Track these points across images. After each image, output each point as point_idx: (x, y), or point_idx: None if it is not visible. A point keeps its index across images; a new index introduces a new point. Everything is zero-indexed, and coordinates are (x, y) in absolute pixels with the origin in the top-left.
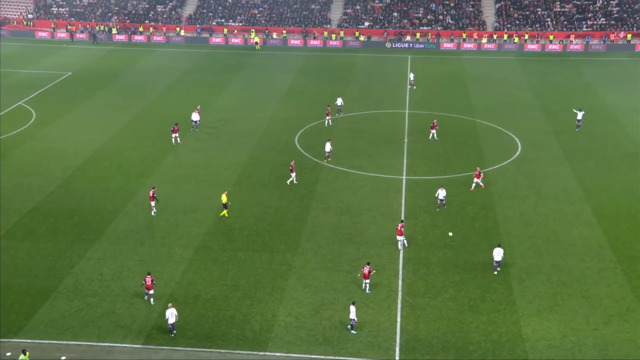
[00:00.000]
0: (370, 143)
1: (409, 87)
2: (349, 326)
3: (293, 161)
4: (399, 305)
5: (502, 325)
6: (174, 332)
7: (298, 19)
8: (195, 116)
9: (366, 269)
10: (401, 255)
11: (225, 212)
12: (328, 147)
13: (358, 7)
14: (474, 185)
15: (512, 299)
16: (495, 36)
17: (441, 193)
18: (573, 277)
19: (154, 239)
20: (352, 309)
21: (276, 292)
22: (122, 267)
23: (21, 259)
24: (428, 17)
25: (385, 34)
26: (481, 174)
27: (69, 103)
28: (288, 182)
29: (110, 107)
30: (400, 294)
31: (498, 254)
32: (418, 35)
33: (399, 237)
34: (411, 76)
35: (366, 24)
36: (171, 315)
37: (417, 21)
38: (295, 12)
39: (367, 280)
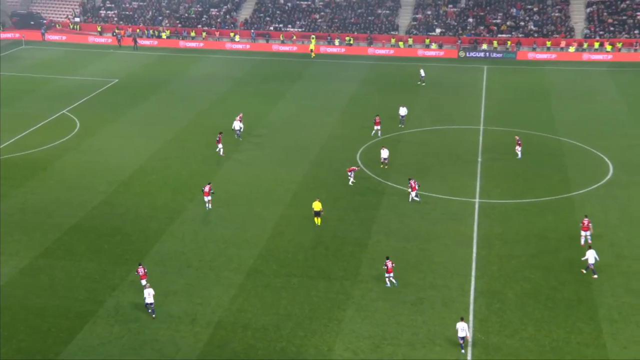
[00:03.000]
0: (440, 161)
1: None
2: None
3: (357, 168)
4: (470, 344)
5: None
6: (154, 315)
7: (363, 24)
8: (236, 124)
9: (389, 263)
10: (472, 287)
11: (318, 220)
12: (385, 153)
13: (429, 12)
14: (582, 239)
15: (602, 342)
16: (585, 44)
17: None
18: None
19: (201, 261)
20: (463, 325)
21: (333, 323)
22: (167, 291)
23: (60, 279)
24: (507, 23)
25: (459, 41)
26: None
27: (114, 112)
28: (350, 183)
29: (158, 117)
30: (471, 331)
31: (592, 255)
32: (495, 43)
33: (412, 193)
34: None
35: (438, 30)
36: (148, 295)
37: (495, 28)
38: (360, 17)
39: (391, 274)
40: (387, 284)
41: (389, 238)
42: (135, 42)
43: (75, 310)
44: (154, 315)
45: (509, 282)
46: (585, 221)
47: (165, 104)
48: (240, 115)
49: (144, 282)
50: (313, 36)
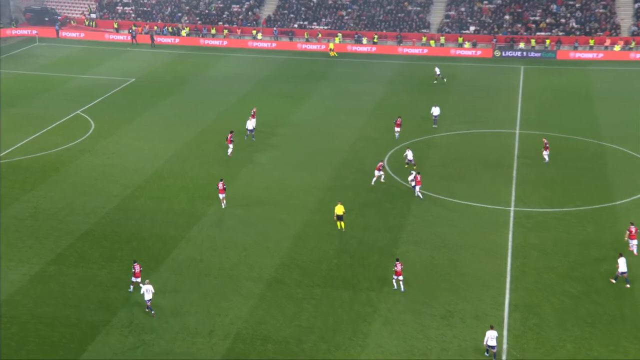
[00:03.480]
0: (472, 167)
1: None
2: (487, 354)
3: (381, 163)
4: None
5: None
6: (153, 312)
7: (392, 22)
8: (250, 124)
9: (399, 266)
10: (507, 300)
11: (341, 224)
12: (410, 154)
13: (463, 9)
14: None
15: None
16: (632, 43)
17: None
18: None
19: (220, 269)
20: (492, 334)
21: (358, 337)
22: (184, 301)
23: (71, 287)
24: (547, 20)
25: (494, 40)
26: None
27: (131, 113)
28: (373, 182)
29: (176, 119)
30: (505, 347)
31: (623, 263)
32: (534, 42)
33: (417, 187)
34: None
35: (472, 28)
36: (147, 291)
37: (534, 25)
38: (389, 14)
39: (400, 277)
40: (394, 286)
41: (418, 247)
42: (153, 39)
43: (87, 320)
44: (153, 312)
45: (547, 295)
46: (633, 229)
47: (184, 104)
48: (254, 110)
49: (137, 280)
50: (339, 34)
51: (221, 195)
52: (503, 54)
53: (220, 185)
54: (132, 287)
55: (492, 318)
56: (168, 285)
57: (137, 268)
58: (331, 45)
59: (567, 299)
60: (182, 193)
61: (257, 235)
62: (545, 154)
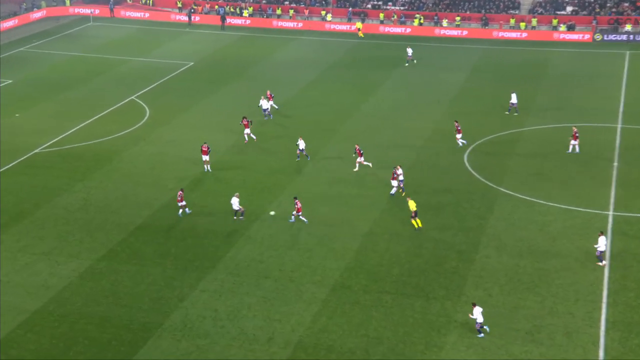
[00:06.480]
0: (565, 165)
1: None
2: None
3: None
4: None
5: None
6: (238, 217)
7: (476, 2)
8: (265, 103)
9: (299, 204)
10: (603, 316)
11: (416, 221)
12: (400, 173)
13: None
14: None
15: None
16: None
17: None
18: None
19: (281, 271)
20: (477, 310)
21: (431, 350)
22: (241, 304)
23: (124, 285)
24: None
25: (595, 22)
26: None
27: (188, 99)
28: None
29: (237, 107)
30: None
31: (603, 242)
32: None
33: (392, 182)
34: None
35: (569, 9)
36: (234, 203)
37: None
38: None
39: (300, 213)
40: (291, 219)
41: (500, 252)
42: (224, 20)
43: (139, 322)
44: (239, 218)
45: None
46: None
47: (245, 91)
48: (269, 92)
49: (182, 204)
50: (418, 15)
51: (204, 157)
52: (605, 38)
53: (204, 147)
54: (180, 211)
55: (585, 336)
56: (225, 286)
57: (180, 194)
58: (358, 25)
59: None
60: (241, 188)
61: (322, 236)
62: (574, 143)
